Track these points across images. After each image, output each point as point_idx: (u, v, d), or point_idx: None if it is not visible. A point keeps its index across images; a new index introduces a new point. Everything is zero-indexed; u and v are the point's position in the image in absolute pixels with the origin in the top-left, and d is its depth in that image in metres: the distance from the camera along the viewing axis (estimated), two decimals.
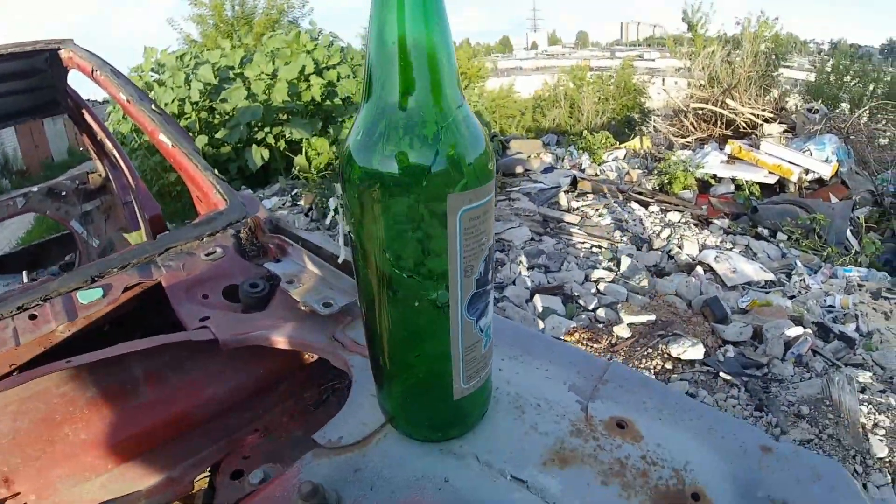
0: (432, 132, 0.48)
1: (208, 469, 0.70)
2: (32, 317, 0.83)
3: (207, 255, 1.00)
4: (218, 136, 6.22)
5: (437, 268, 0.50)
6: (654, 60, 34.88)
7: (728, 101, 8.48)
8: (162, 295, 0.89)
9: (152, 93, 6.54)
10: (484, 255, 0.52)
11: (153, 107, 1.37)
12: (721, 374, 2.38)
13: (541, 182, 5.88)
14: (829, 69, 10.74)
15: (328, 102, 6.30)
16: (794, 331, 2.89)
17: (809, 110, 8.40)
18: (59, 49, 1.75)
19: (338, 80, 6.37)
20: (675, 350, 2.46)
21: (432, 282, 0.51)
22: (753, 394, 2.29)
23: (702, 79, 10.28)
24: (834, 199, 5.82)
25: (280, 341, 0.77)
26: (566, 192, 5.17)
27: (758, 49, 10.12)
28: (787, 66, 15.82)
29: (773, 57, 10.34)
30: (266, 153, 6.06)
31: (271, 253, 1.02)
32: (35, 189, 3.39)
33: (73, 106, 2.74)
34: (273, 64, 6.30)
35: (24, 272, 3.91)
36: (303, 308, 0.83)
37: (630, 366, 2.40)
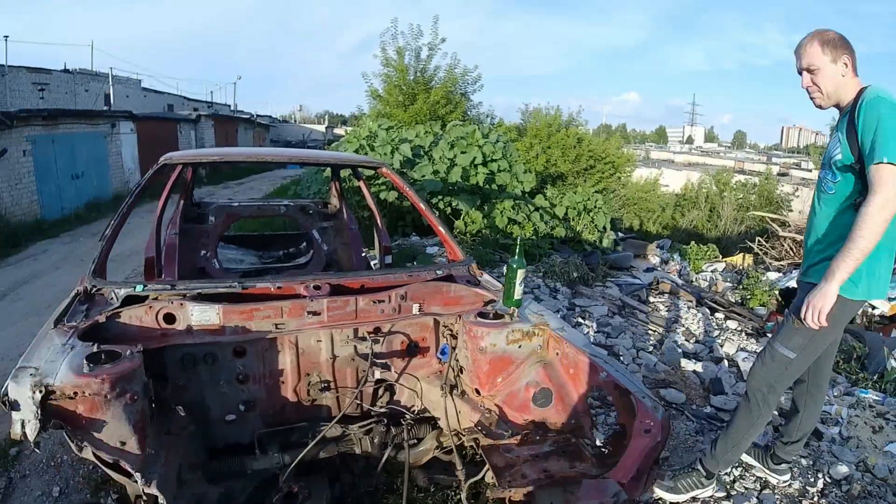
0: None
1: None
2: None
3: (458, 276, 2.93)
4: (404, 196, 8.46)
5: None
6: (810, 171, 33.46)
7: None
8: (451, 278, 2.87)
9: (364, 151, 8.97)
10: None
11: (437, 212, 3.37)
12: (686, 413, 3.95)
13: (638, 279, 7.49)
14: None
15: (487, 187, 8.36)
16: None
17: None
18: (382, 167, 3.66)
19: (497, 171, 8.45)
20: (663, 392, 4.06)
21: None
22: (700, 428, 3.83)
23: None
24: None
25: (488, 295, 2.72)
26: (649, 287, 6.76)
27: None
28: None
29: None
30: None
31: (478, 275, 2.94)
32: (292, 203, 5.43)
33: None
34: (452, 150, 8.49)
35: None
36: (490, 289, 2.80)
37: None
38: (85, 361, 1.75)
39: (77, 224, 11.21)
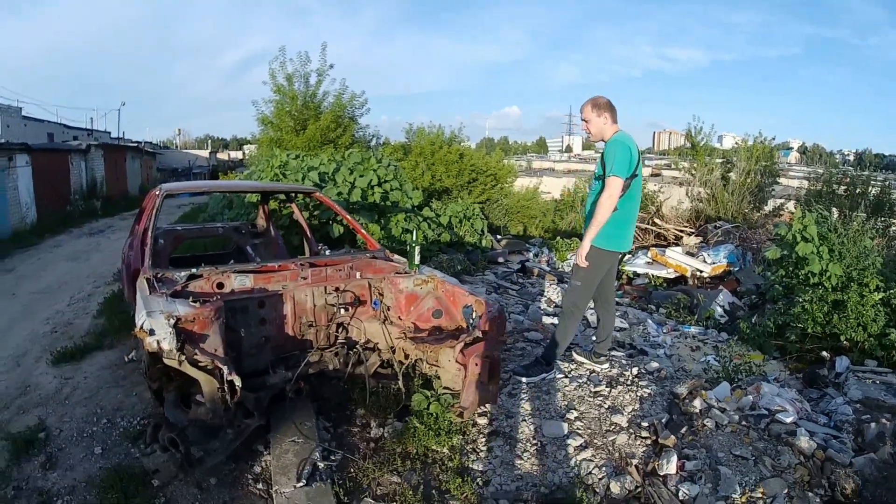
0: None
1: None
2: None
3: (378, 257, 4.45)
4: (315, 214, 9.81)
5: None
6: (680, 171, 37.14)
7: (657, 220, 11.72)
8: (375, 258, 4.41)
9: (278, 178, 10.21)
10: None
11: (358, 220, 4.88)
12: (541, 344, 5.61)
13: (512, 268, 9.30)
14: (823, 180, 11.66)
15: (383, 203, 9.88)
16: None
17: (715, 226, 11.23)
18: (316, 192, 5.26)
19: (390, 190, 10.02)
20: (526, 334, 5.73)
21: None
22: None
23: (702, 192, 12.74)
24: (722, 289, 7.91)
25: (399, 266, 4.29)
26: (518, 272, 8.56)
27: (751, 167, 12.53)
28: (799, 177, 17.21)
29: (767, 173, 12.61)
30: (341, 229, 9.59)
31: (390, 256, 4.49)
32: (228, 225, 6.62)
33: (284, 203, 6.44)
34: (352, 175, 9.96)
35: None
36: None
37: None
38: (193, 303, 3.11)
39: None
